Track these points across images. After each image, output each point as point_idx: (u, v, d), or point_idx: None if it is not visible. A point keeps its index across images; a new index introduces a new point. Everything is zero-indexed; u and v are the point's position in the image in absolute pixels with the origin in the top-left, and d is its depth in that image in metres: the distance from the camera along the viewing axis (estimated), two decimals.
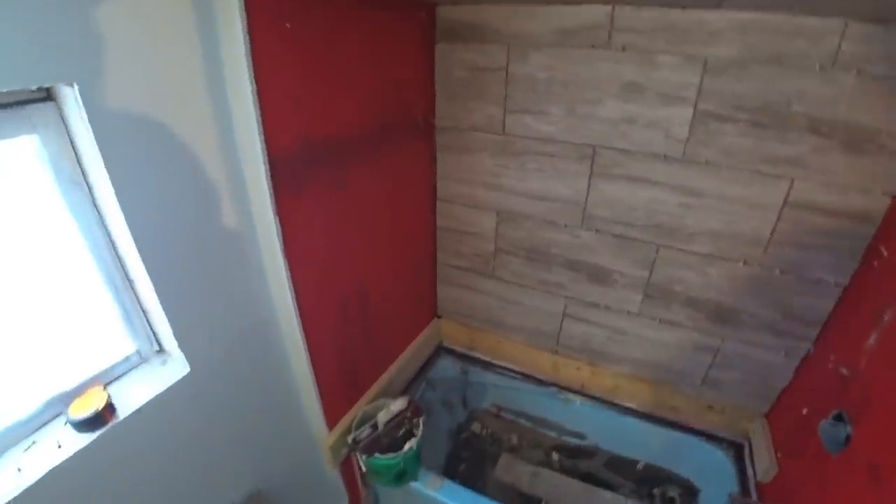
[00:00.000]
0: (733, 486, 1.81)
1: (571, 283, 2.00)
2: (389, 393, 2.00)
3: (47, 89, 0.89)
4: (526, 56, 1.64)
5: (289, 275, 1.33)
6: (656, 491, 2.17)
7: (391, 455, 1.65)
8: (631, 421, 2.14)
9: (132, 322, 1.16)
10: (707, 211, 1.61)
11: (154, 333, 1.21)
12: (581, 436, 2.38)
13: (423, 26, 1.70)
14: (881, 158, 1.33)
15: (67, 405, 1.03)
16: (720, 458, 1.95)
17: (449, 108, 1.88)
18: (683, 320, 1.85)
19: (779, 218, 1.52)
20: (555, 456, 2.38)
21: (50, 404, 1.04)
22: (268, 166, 1.17)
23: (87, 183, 0.99)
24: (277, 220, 1.25)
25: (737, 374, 1.85)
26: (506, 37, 1.65)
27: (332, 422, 1.70)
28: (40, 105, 0.88)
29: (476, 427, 2.54)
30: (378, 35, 1.47)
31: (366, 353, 1.86)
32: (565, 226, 1.88)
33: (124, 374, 1.18)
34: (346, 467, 1.86)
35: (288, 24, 1.13)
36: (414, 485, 1.75)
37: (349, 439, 1.71)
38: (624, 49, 1.50)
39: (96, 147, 0.90)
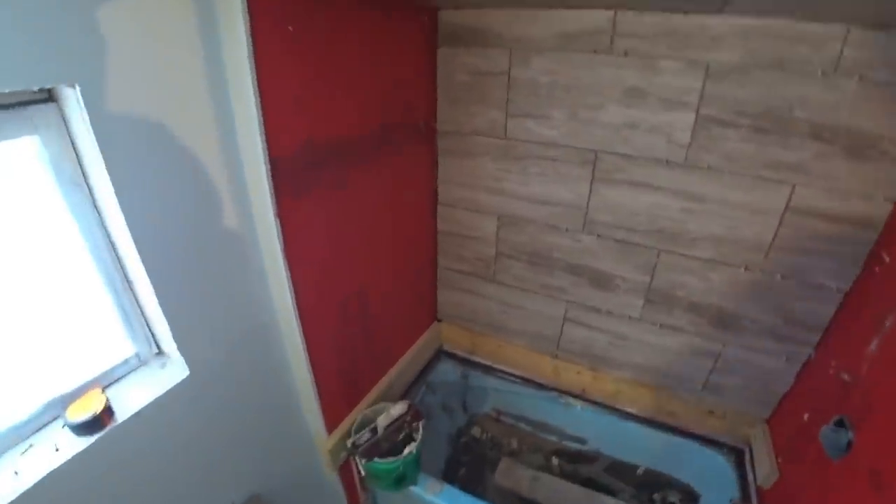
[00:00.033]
0: (734, 492, 1.80)
1: (573, 287, 2.00)
2: (389, 396, 1.99)
3: (49, 90, 0.88)
4: (528, 60, 1.64)
5: (289, 277, 1.33)
6: (657, 496, 2.16)
7: (391, 459, 1.64)
8: (631, 426, 2.13)
9: (131, 324, 1.16)
10: (709, 216, 1.61)
11: (153, 336, 1.21)
12: (581, 440, 2.37)
13: (425, 30, 1.70)
14: (883, 164, 1.33)
15: (65, 408, 1.02)
16: (721, 464, 1.94)
17: (451, 112, 1.88)
18: (685, 325, 1.84)
19: (780, 223, 1.51)
20: (555, 461, 2.37)
21: (48, 407, 1.03)
22: (269, 168, 1.17)
23: (88, 184, 0.99)
24: (278, 222, 1.24)
25: (738, 380, 1.85)
26: (508, 41, 1.65)
27: (331, 425, 1.69)
28: (42, 106, 0.88)
29: (476, 431, 2.53)
30: (380, 38, 1.48)
31: (366, 357, 1.85)
32: (567, 230, 1.88)
33: (123, 376, 1.17)
34: (346, 471, 1.85)
35: (290, 27, 1.13)
36: (413, 489, 1.74)
37: (349, 443, 1.70)
38: (626, 54, 1.50)
39: (97, 148, 0.90)
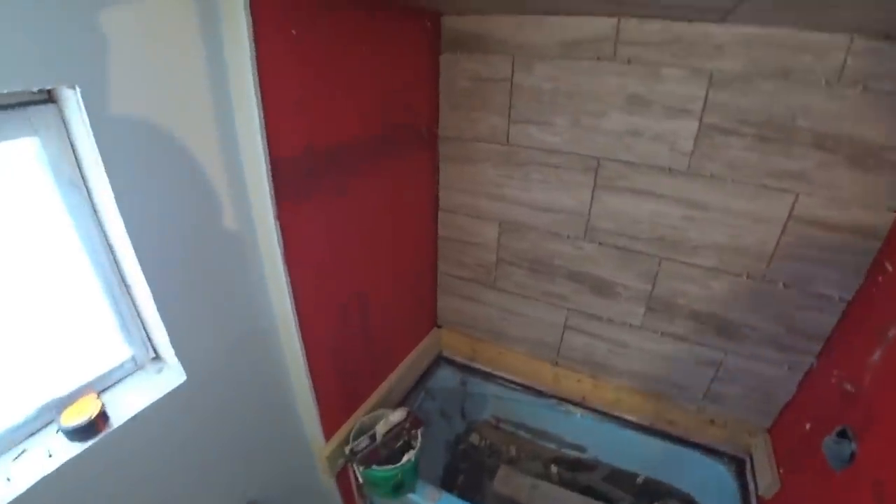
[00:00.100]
0: (734, 502, 1.79)
1: (574, 294, 1.99)
2: (388, 403, 1.98)
3: (48, 91, 0.88)
4: (531, 67, 1.64)
5: (289, 282, 1.32)
6: None
7: (389, 467, 1.63)
8: (631, 434, 2.12)
9: (128, 328, 1.15)
10: (711, 224, 1.60)
11: (150, 340, 1.19)
12: (581, 448, 2.35)
13: (427, 36, 1.70)
14: (886, 174, 1.32)
15: (60, 413, 1.01)
16: (721, 473, 1.93)
17: (453, 118, 1.88)
18: (686, 334, 1.83)
19: (783, 232, 1.51)
20: (554, 469, 2.35)
21: (42, 411, 1.02)
22: (270, 172, 1.16)
23: (87, 186, 0.98)
24: (278, 226, 1.23)
25: (739, 389, 1.83)
26: (511, 47, 1.65)
27: (329, 431, 1.68)
28: (41, 107, 0.87)
29: (475, 438, 2.51)
30: (382, 43, 1.47)
31: (365, 363, 1.84)
32: (568, 237, 1.87)
33: (119, 381, 1.16)
34: (343, 478, 1.84)
35: (294, 31, 1.12)
36: (411, 497, 1.72)
37: (347, 450, 1.68)
38: (629, 62, 1.50)
39: (97, 150, 0.89)
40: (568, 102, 1.64)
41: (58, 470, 0.94)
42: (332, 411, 1.67)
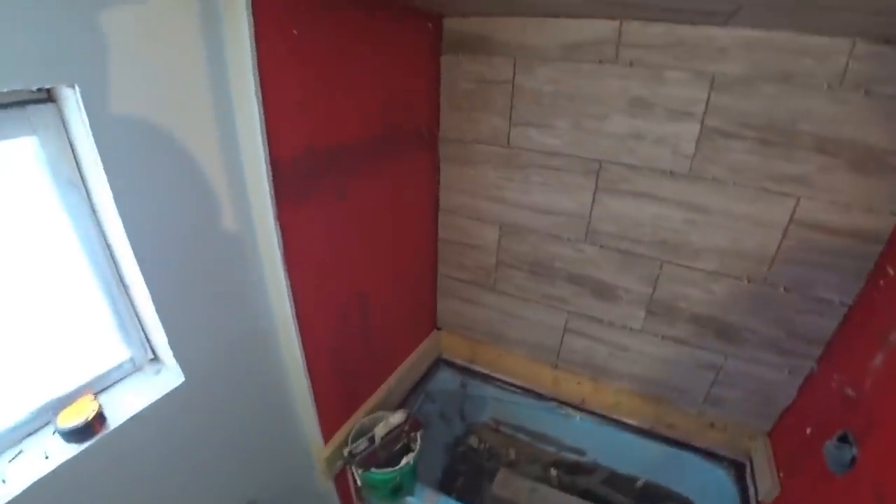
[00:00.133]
0: None
1: (574, 297, 1.98)
2: (387, 405, 1.97)
3: (48, 90, 0.87)
4: (532, 69, 1.64)
5: (288, 283, 1.31)
6: None
7: (388, 469, 1.62)
8: (631, 437, 2.11)
9: (126, 329, 1.14)
10: (713, 227, 1.60)
11: (148, 341, 1.19)
12: (580, 452, 2.34)
13: (429, 37, 1.70)
14: (888, 178, 1.32)
15: (56, 414, 1.00)
16: (721, 477, 1.92)
17: (453, 120, 1.87)
18: (686, 337, 1.83)
19: (784, 236, 1.51)
20: (553, 472, 2.34)
21: (39, 412, 1.01)
22: (270, 173, 1.15)
23: (86, 186, 0.97)
24: (278, 227, 1.23)
25: (739, 392, 1.83)
26: (512, 49, 1.64)
27: (328, 434, 1.67)
28: (40, 106, 0.87)
29: (474, 441, 2.50)
30: (384, 44, 1.47)
31: (364, 365, 1.83)
32: (569, 240, 1.87)
33: (116, 382, 1.15)
34: (341, 480, 1.83)
35: (295, 31, 1.12)
36: (410, 500, 1.72)
37: (345, 452, 1.67)
38: (631, 64, 1.49)
39: (96, 150, 0.88)
40: (569, 105, 1.63)
41: (54, 472, 0.93)
42: (331, 413, 1.67)
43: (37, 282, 0.97)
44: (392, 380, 2.04)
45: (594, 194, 1.74)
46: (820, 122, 1.34)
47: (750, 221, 1.54)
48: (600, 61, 1.53)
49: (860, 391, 1.31)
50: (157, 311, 1.07)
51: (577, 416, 2.21)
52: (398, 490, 1.67)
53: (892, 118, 1.26)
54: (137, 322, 1.15)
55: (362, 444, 1.67)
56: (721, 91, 1.41)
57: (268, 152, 1.13)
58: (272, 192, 1.18)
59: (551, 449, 2.41)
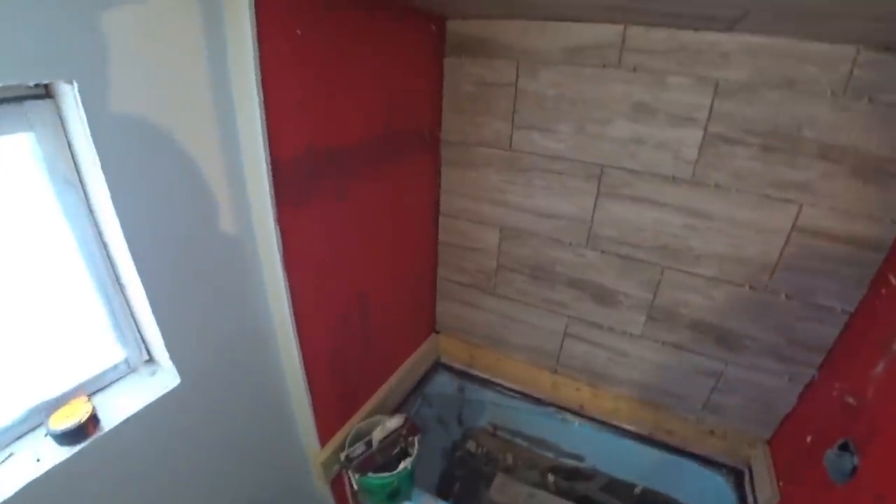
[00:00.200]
0: None
1: (575, 302, 1.97)
2: (385, 408, 1.95)
3: (45, 86, 0.86)
4: (535, 73, 1.63)
5: (287, 286, 1.30)
6: None
7: (385, 474, 1.60)
8: (630, 444, 2.10)
9: (121, 329, 1.12)
10: (714, 234, 1.59)
11: (144, 342, 1.17)
12: (579, 457, 2.33)
13: (432, 39, 1.69)
14: (891, 186, 1.32)
15: (49, 415, 0.98)
16: (720, 485, 1.92)
17: (456, 122, 1.86)
18: (687, 343, 1.82)
19: (786, 243, 1.50)
20: (551, 477, 2.33)
21: (30, 414, 0.99)
22: (270, 174, 1.14)
23: (83, 184, 0.95)
24: (278, 228, 1.22)
25: (739, 399, 1.82)
26: (515, 52, 1.64)
27: (325, 437, 1.65)
28: (38, 102, 0.85)
29: (471, 445, 2.49)
30: (387, 46, 1.46)
31: (362, 368, 1.81)
32: (570, 244, 1.86)
33: (111, 383, 1.13)
34: (338, 484, 1.81)
35: (298, 31, 1.11)
36: None
37: (342, 456, 1.66)
38: (635, 69, 1.49)
39: (93, 148, 0.87)
40: (572, 109, 1.63)
41: (45, 474, 0.91)
42: (328, 416, 1.65)
43: (30, 280, 0.95)
44: (390, 383, 2.02)
45: (596, 199, 1.73)
46: (823, 129, 1.33)
47: (752, 228, 1.53)
48: (603, 65, 1.53)
49: (861, 399, 1.30)
50: (154, 311, 1.06)
51: (576, 421, 2.19)
52: (395, 495, 1.66)
53: (893, 127, 1.26)
54: (133, 323, 1.13)
55: (359, 448, 1.65)
56: (725, 97, 1.41)
57: (269, 153, 1.12)
58: (272, 193, 1.16)
59: (549, 454, 2.39)
